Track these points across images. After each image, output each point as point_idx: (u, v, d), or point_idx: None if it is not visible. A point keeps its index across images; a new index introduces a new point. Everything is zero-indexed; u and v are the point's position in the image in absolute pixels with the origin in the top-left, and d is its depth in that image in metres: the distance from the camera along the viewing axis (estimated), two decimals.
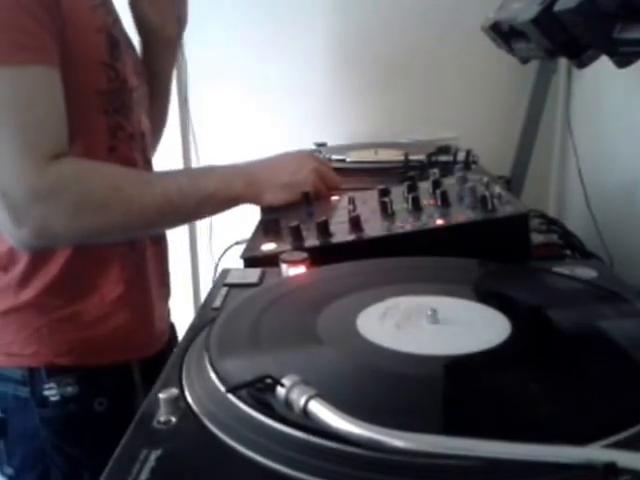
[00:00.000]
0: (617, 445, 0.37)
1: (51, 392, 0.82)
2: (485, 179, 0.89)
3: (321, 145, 1.44)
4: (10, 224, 0.73)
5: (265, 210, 0.93)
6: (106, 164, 0.80)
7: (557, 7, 0.74)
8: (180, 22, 1.01)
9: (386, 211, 0.83)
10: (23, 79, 0.71)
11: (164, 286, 0.98)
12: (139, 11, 0.96)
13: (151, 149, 0.98)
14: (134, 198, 0.77)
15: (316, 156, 1.01)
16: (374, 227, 0.80)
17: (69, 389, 0.82)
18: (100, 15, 0.81)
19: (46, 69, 0.72)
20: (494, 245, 0.74)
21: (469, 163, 1.15)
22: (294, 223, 0.80)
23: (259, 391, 0.42)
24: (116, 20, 0.88)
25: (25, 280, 0.81)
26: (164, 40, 0.99)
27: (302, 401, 0.39)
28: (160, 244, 0.97)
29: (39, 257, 0.81)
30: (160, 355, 0.89)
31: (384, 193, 0.88)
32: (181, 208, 0.80)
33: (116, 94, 0.83)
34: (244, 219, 0.94)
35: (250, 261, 0.79)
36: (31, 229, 0.73)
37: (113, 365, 0.85)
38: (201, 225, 1.65)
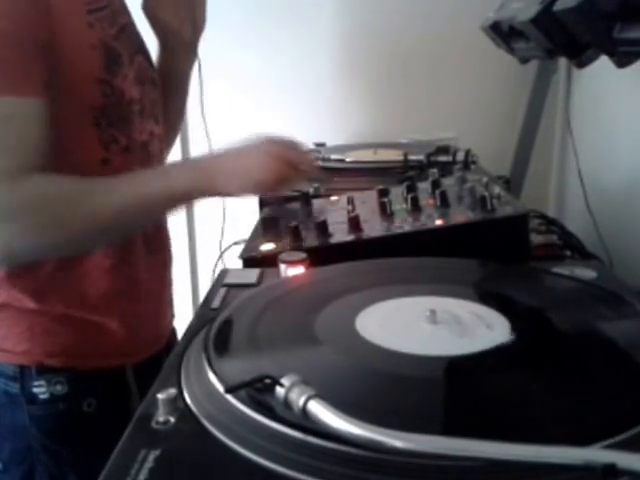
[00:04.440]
0: (617, 446, 0.37)
1: (40, 390, 0.81)
2: (484, 179, 0.89)
3: (320, 145, 1.44)
4: None
5: (265, 210, 0.93)
6: (68, 178, 0.77)
7: (557, 7, 0.74)
8: (197, 23, 0.99)
9: (385, 211, 0.83)
10: None
11: (162, 295, 0.97)
12: (151, 14, 0.96)
13: (158, 156, 0.96)
14: (92, 214, 0.75)
15: (270, 142, 0.88)
16: (373, 227, 0.80)
17: (58, 388, 0.82)
18: (97, 30, 0.80)
19: (17, 100, 0.71)
20: (494, 245, 0.74)
21: (468, 163, 1.15)
22: (293, 223, 0.80)
23: (258, 391, 0.42)
24: (123, 28, 0.86)
25: (12, 284, 0.81)
26: (181, 42, 0.98)
27: (301, 401, 0.39)
28: (157, 255, 0.95)
29: (24, 265, 0.80)
30: (157, 358, 0.88)
31: (383, 193, 0.88)
32: (140, 213, 0.78)
33: (111, 108, 0.81)
34: (244, 219, 0.94)
35: (249, 261, 0.79)
36: None
37: (103, 368, 0.85)
38: (203, 225, 1.65)
